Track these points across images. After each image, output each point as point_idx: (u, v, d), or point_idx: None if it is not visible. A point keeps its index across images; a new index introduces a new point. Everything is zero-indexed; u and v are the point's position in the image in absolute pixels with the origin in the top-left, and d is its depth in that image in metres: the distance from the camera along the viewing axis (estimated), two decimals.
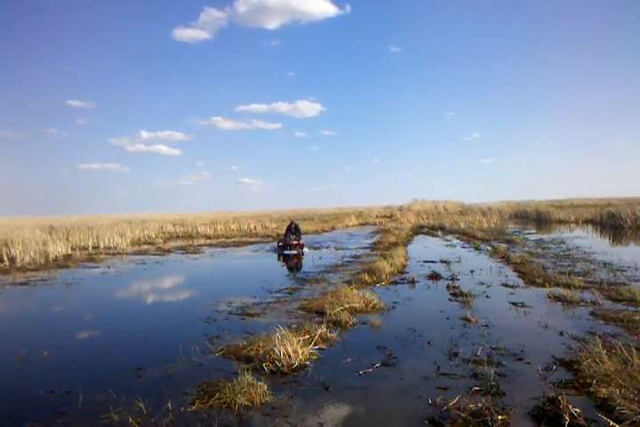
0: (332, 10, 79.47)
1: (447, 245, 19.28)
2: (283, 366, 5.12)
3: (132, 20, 77.23)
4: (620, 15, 74.03)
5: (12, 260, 16.44)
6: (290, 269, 14.23)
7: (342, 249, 18.99)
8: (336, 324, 6.94)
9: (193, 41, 74.29)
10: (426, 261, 13.81)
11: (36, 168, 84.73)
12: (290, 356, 5.23)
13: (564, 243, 18.26)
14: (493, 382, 4.49)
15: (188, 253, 19.41)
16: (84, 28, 77.49)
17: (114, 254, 19.15)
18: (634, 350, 4.79)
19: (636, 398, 3.91)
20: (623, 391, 4.06)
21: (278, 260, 16.66)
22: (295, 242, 18.28)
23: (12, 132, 78.24)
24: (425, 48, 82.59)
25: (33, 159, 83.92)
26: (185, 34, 76.40)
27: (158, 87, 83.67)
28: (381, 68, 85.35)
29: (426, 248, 18.88)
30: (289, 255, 17.37)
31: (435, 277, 10.90)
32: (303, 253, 17.78)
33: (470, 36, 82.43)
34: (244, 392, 4.35)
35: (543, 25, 79.99)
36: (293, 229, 18.94)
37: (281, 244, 18.52)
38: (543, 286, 9.48)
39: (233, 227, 34.96)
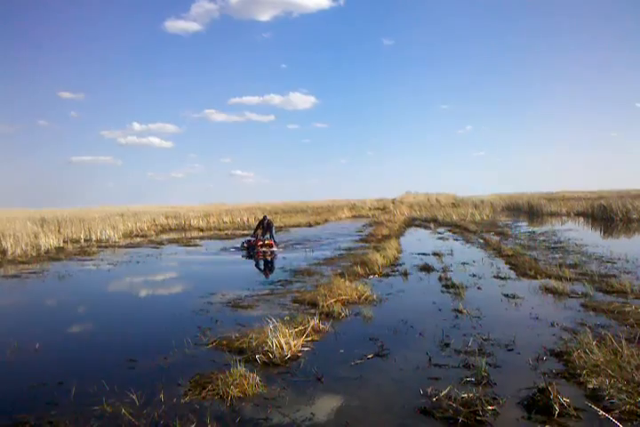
0: (325, 2, 78.92)
1: (439, 238, 19.35)
2: (275, 357, 5.13)
3: (122, 11, 76.16)
4: (615, 9, 74.04)
5: (4, 252, 16.33)
6: (282, 262, 14.19)
7: (332, 245, 19.00)
8: (329, 316, 6.96)
9: (184, 33, 73.42)
10: (418, 254, 13.86)
11: (27, 160, 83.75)
12: (282, 347, 5.24)
13: (555, 235, 18.38)
14: (484, 373, 4.52)
15: (181, 245, 19.37)
16: (74, 19, 76.32)
17: (106, 247, 19.07)
18: (623, 341, 4.84)
19: (625, 388, 3.96)
20: (613, 382, 4.11)
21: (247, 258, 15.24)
22: (260, 242, 16.40)
23: (3, 124, 77.30)
24: (418, 41, 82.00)
25: (24, 151, 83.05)
26: (176, 25, 75.41)
27: (150, 79, 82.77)
28: (375, 60, 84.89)
29: (418, 240, 18.95)
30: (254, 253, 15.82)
31: (427, 269, 10.95)
32: (273, 253, 15.94)
33: (464, 30, 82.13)
34: (237, 384, 4.36)
35: (538, 18, 79.84)
36: (266, 226, 17.14)
37: (246, 244, 16.71)
38: (534, 277, 9.55)
39: (226, 219, 34.87)
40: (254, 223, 31.62)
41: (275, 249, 16.41)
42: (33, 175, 79.94)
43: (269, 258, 14.97)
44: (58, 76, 77.95)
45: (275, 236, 17.59)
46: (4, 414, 4.00)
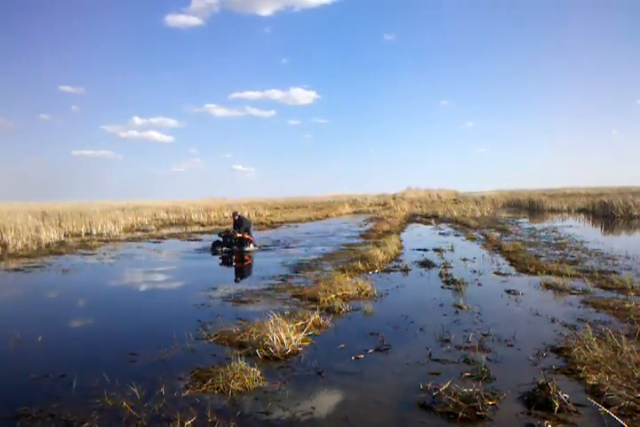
0: None
1: (440, 234, 19.35)
2: (276, 351, 5.14)
3: (123, 5, 76.25)
4: (616, 6, 73.78)
5: (5, 246, 16.35)
6: (283, 257, 14.17)
7: (332, 240, 19.01)
8: (329, 311, 6.97)
9: (185, 27, 73.52)
10: (419, 250, 13.87)
11: (28, 154, 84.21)
12: (283, 342, 5.25)
13: (556, 231, 18.37)
14: (484, 368, 4.53)
15: (182, 240, 19.40)
16: (74, 13, 76.40)
17: (107, 241, 19.08)
18: (623, 338, 4.85)
19: (625, 384, 3.97)
20: (612, 378, 4.12)
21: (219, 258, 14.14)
22: (239, 234, 14.97)
23: (4, 118, 77.31)
24: (419, 36, 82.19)
25: (25, 145, 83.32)
26: (177, 20, 75.58)
27: (151, 73, 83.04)
28: (375, 55, 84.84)
29: (419, 236, 18.94)
30: (228, 252, 14.66)
31: (427, 264, 10.95)
32: (247, 252, 14.80)
33: (465, 25, 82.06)
34: (238, 378, 4.37)
35: (539, 15, 79.57)
36: (238, 222, 15.52)
37: (223, 234, 15.33)
38: (535, 274, 9.55)
39: (227, 214, 34.89)
40: (255, 219, 31.64)
41: (250, 248, 15.14)
42: (34, 169, 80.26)
43: (247, 258, 13.97)
44: (59, 70, 78.30)
45: (252, 233, 15.99)
46: (7, 406, 4.02)
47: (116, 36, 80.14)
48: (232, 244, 14.93)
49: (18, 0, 72.18)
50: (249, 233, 15.53)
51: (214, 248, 15.02)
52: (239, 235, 14.99)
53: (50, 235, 18.44)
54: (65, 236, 20.20)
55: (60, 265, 12.46)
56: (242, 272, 12.09)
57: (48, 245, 17.14)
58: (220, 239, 15.25)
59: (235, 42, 79.18)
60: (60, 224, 22.23)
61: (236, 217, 15.76)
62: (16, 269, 11.89)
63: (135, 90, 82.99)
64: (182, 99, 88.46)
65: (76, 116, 79.63)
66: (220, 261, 13.66)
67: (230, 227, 16.07)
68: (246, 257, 14.11)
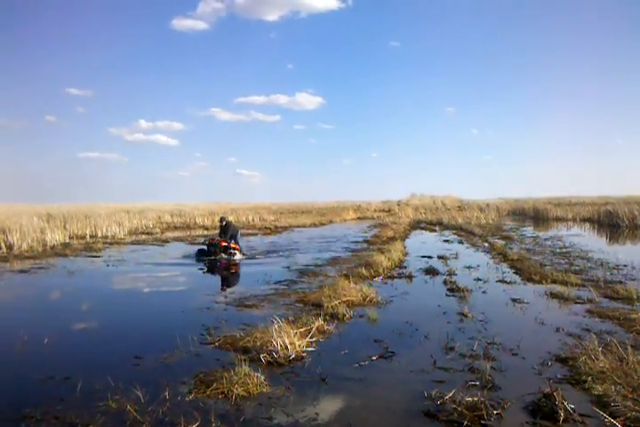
0: (332, 3, 79.43)
1: (444, 241, 19.32)
2: (280, 357, 5.14)
3: (130, 9, 76.56)
4: (620, 13, 73.88)
5: (10, 247, 16.40)
6: (287, 262, 14.15)
7: (336, 246, 19.00)
8: (333, 317, 6.96)
9: (191, 31, 73.71)
10: (423, 257, 13.84)
11: (34, 156, 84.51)
12: (287, 347, 5.25)
13: (561, 240, 18.30)
14: (489, 377, 4.52)
15: (185, 243, 19.43)
16: (82, 16, 76.72)
17: (111, 244, 19.11)
18: (629, 348, 4.82)
19: (631, 396, 3.95)
20: (618, 388, 4.10)
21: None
22: (225, 243, 14.19)
23: (10, 120, 77.72)
24: (425, 43, 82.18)
25: (31, 147, 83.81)
26: (183, 24, 75.71)
27: (157, 77, 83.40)
28: (381, 62, 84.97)
29: (423, 243, 18.90)
30: (215, 261, 13.78)
31: (432, 272, 10.92)
32: (232, 260, 13.97)
33: (470, 32, 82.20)
34: (241, 383, 4.36)
35: (544, 21, 79.66)
36: (224, 228, 14.80)
37: (207, 242, 14.51)
38: (540, 282, 9.52)
39: (230, 218, 34.90)
40: (259, 224, 31.66)
41: (238, 257, 14.27)
42: (39, 170, 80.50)
43: (233, 268, 13.21)
44: (65, 73, 78.54)
45: (239, 241, 15.22)
46: (12, 408, 4.03)
47: (123, 40, 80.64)
48: (216, 252, 14.10)
49: (25, 5, 72.72)
50: (235, 240, 14.78)
51: (199, 257, 14.29)
52: (224, 244, 14.23)
53: (55, 237, 18.50)
54: (70, 238, 20.27)
55: (64, 267, 12.50)
56: (245, 277, 12.06)
57: (53, 247, 17.19)
58: (205, 248, 14.48)
59: (241, 47, 79.37)
60: (64, 226, 22.26)
61: (224, 222, 15.04)
62: (21, 271, 11.93)
63: (141, 93, 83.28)
64: (188, 102, 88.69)
65: (83, 119, 80.00)
66: (221, 266, 13.64)
67: (216, 233, 15.68)
68: (233, 264, 13.65)
